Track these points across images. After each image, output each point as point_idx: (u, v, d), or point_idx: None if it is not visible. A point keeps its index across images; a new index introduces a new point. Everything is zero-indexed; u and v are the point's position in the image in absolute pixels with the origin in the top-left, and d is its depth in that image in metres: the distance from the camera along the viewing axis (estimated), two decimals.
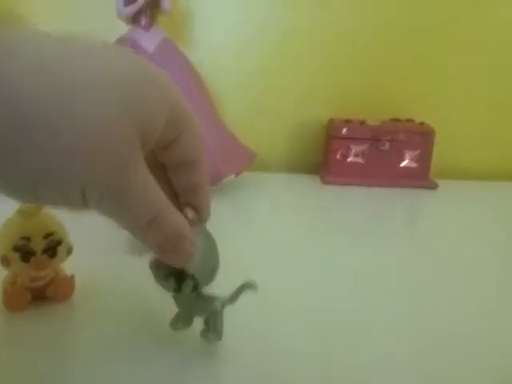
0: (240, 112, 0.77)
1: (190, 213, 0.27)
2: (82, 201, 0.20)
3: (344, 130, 0.68)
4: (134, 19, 0.61)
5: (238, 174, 0.61)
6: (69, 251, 0.34)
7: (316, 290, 0.31)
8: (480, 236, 0.53)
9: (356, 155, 0.69)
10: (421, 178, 0.70)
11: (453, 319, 0.34)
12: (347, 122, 0.70)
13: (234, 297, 0.28)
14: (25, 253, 0.31)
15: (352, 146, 0.69)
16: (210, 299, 0.28)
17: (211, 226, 0.51)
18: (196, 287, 0.27)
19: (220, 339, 0.28)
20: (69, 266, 0.35)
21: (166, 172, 0.26)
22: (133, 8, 0.59)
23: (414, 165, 0.70)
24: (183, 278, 0.26)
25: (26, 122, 0.18)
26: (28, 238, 0.31)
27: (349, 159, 0.69)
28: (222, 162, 0.59)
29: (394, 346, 0.30)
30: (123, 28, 0.62)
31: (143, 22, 0.61)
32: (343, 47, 0.75)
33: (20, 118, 0.18)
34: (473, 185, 0.74)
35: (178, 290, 0.26)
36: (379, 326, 0.33)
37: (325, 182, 0.70)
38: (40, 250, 0.32)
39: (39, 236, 0.32)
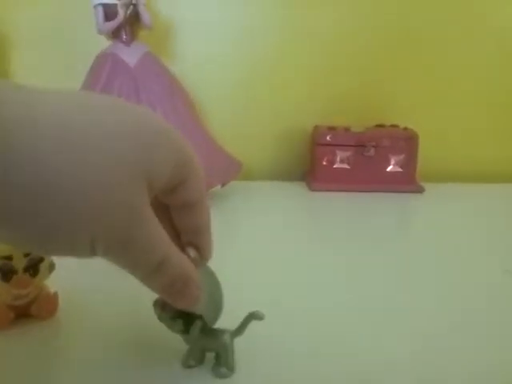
0: (225, 122, 0.77)
1: (192, 252, 0.26)
2: (90, 252, 0.21)
3: (328, 137, 0.69)
4: (115, 34, 0.61)
5: (224, 184, 0.61)
6: (51, 268, 0.34)
7: (306, 297, 0.30)
8: (467, 238, 0.53)
9: (342, 161, 0.70)
10: (407, 182, 0.71)
11: (442, 321, 0.34)
12: (332, 129, 0.70)
13: (241, 328, 0.28)
14: (6, 272, 0.31)
15: (337, 152, 0.69)
16: (219, 333, 0.27)
17: None
18: (204, 327, 0.27)
19: (233, 373, 0.27)
20: (52, 282, 0.34)
21: (168, 212, 0.26)
22: (113, 24, 0.60)
23: (399, 169, 0.70)
24: (191, 320, 0.26)
25: (45, 186, 0.18)
26: (9, 257, 0.31)
27: (335, 165, 0.70)
28: (208, 173, 0.59)
29: (388, 351, 0.30)
30: (105, 43, 0.63)
31: (124, 37, 0.61)
32: (327, 57, 0.76)
33: (39, 183, 0.18)
34: (459, 187, 0.75)
35: (185, 331, 0.26)
36: (370, 328, 0.33)
37: (312, 188, 0.70)
38: (21, 268, 0.32)
39: (20, 254, 0.31)
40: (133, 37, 0.62)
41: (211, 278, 0.27)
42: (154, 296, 0.27)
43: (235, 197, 0.65)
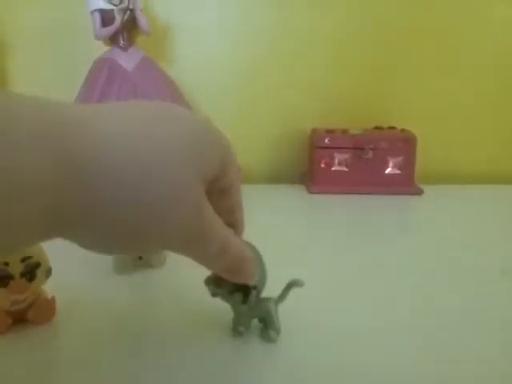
0: (223, 125, 0.76)
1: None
2: (161, 248, 0.24)
3: (327, 140, 0.69)
4: (112, 40, 0.62)
5: None
6: (48, 273, 0.34)
7: (305, 299, 0.31)
8: (467, 240, 0.53)
9: (340, 164, 0.70)
10: (405, 184, 0.71)
11: (442, 321, 0.34)
12: (330, 131, 0.70)
13: (283, 295, 0.31)
14: (2, 277, 0.31)
15: (335, 155, 0.69)
16: (264, 301, 0.31)
17: None
18: (258, 296, 0.30)
19: (279, 334, 0.30)
20: (49, 287, 0.34)
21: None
22: (110, 29, 0.60)
23: (397, 171, 0.70)
24: (247, 291, 0.29)
25: (127, 200, 0.21)
26: (5, 263, 0.31)
27: (333, 168, 0.70)
28: None
29: (387, 352, 0.30)
30: (102, 48, 0.63)
31: (121, 42, 0.61)
32: (325, 58, 0.76)
33: (119, 199, 0.21)
34: (458, 189, 0.74)
35: (244, 301, 0.29)
36: (371, 329, 0.33)
37: (310, 191, 0.70)
38: (18, 273, 0.32)
39: (16, 260, 0.31)
40: (130, 42, 0.62)
41: (257, 252, 0.30)
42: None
43: None
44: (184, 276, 0.42)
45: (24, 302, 0.33)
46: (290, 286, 0.31)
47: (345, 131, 0.70)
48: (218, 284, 0.30)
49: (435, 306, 0.37)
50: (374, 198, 0.68)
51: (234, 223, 0.28)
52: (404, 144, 0.70)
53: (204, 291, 0.31)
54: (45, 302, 0.34)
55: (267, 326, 0.31)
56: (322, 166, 0.70)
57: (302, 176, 0.77)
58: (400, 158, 0.70)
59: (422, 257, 0.47)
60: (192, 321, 0.34)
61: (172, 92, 0.63)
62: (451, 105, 0.79)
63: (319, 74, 0.77)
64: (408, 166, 0.70)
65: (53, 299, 0.35)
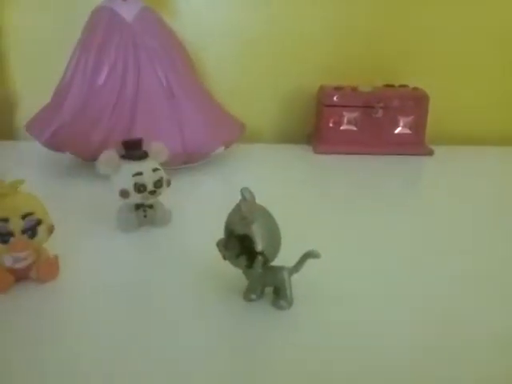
0: (228, 82, 0.74)
1: (247, 192, 0.28)
2: None
3: (335, 98, 0.66)
4: None
5: (227, 147, 0.59)
6: (50, 231, 0.32)
7: (314, 261, 0.30)
8: (477, 200, 0.51)
9: (349, 123, 0.67)
10: (416, 145, 0.68)
11: (453, 283, 0.33)
12: (338, 88, 0.67)
13: (298, 265, 0.30)
14: (2, 234, 0.30)
15: (345, 114, 0.67)
16: (278, 269, 0.30)
17: (202, 200, 0.50)
18: (265, 262, 0.28)
19: (291, 305, 0.30)
20: (52, 246, 0.33)
21: None
22: None
23: (408, 131, 0.68)
24: (254, 256, 0.28)
25: None
26: (5, 220, 0.30)
27: (342, 127, 0.68)
28: (210, 136, 0.57)
29: (391, 313, 0.29)
30: None
31: None
32: (334, 14, 0.72)
33: None
34: (469, 150, 0.73)
35: (249, 266, 0.28)
36: (377, 291, 0.32)
37: (317, 151, 0.68)
38: (19, 230, 0.30)
39: (17, 216, 0.30)
40: None
41: (270, 217, 0.29)
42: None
43: (238, 159, 0.63)
44: (189, 234, 0.41)
45: (26, 259, 0.32)
46: (306, 256, 0.30)
47: (354, 89, 0.68)
48: (226, 246, 0.29)
49: (447, 266, 0.36)
50: (383, 159, 0.66)
51: None
52: (416, 103, 0.67)
53: (213, 252, 0.30)
54: (48, 261, 0.33)
55: (279, 296, 0.30)
56: (330, 125, 0.68)
57: (309, 136, 0.74)
58: (411, 118, 0.68)
59: (432, 218, 0.46)
60: (198, 282, 0.33)
61: (174, 44, 0.60)
62: (465, 65, 0.76)
63: (327, 29, 0.73)
64: (419, 126, 0.68)
65: (56, 257, 0.33)
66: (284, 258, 0.30)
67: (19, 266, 0.32)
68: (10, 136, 0.74)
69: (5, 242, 0.30)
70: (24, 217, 0.30)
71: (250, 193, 0.29)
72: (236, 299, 0.30)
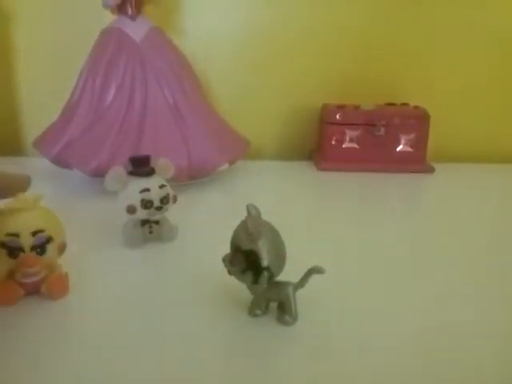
0: (232, 100, 0.76)
1: (253, 208, 0.29)
2: None
3: (338, 116, 0.68)
4: (120, 9, 0.60)
5: (231, 163, 0.60)
6: (60, 249, 0.33)
7: (316, 279, 0.30)
8: (478, 218, 0.52)
9: (351, 140, 0.68)
10: (417, 162, 0.69)
11: (452, 299, 0.34)
12: (341, 107, 0.69)
13: (303, 281, 0.30)
14: (13, 249, 0.30)
15: (347, 131, 0.68)
16: (283, 285, 0.30)
17: (207, 215, 0.51)
18: (271, 278, 0.29)
19: (296, 320, 0.30)
20: (67, 261, 0.34)
21: None
22: None
23: (409, 149, 0.69)
24: (260, 271, 0.28)
25: None
26: (16, 235, 0.30)
27: (344, 145, 0.69)
28: (216, 153, 0.58)
29: (395, 327, 0.30)
30: (109, 18, 0.61)
31: (129, 11, 0.59)
32: (337, 33, 0.74)
33: None
34: (470, 167, 0.73)
35: (255, 282, 0.29)
36: (380, 305, 0.32)
37: (320, 168, 0.69)
38: (28, 246, 0.31)
39: (27, 233, 0.31)
40: (138, 11, 0.60)
41: (275, 233, 0.29)
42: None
43: (243, 176, 0.64)
44: (195, 250, 0.42)
45: (36, 275, 0.32)
46: (310, 272, 0.30)
47: (356, 107, 0.69)
48: (231, 262, 0.29)
49: (447, 283, 0.36)
50: (384, 176, 0.66)
51: None
52: (417, 121, 0.68)
53: (218, 267, 0.30)
54: (58, 278, 0.33)
55: (284, 311, 0.30)
56: (333, 142, 0.69)
57: (311, 153, 0.75)
58: (412, 136, 0.69)
59: (432, 235, 0.46)
60: (203, 298, 0.33)
61: (181, 64, 0.62)
62: (465, 83, 0.77)
63: (331, 48, 0.75)
64: (420, 143, 0.69)
65: (66, 275, 0.34)
66: (288, 273, 0.30)
67: (29, 280, 0.32)
68: (16, 152, 0.75)
69: (15, 256, 0.31)
70: (34, 233, 0.31)
71: (256, 209, 0.29)
72: (241, 314, 0.31)
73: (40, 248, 0.31)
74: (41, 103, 0.74)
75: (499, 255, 0.42)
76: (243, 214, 0.29)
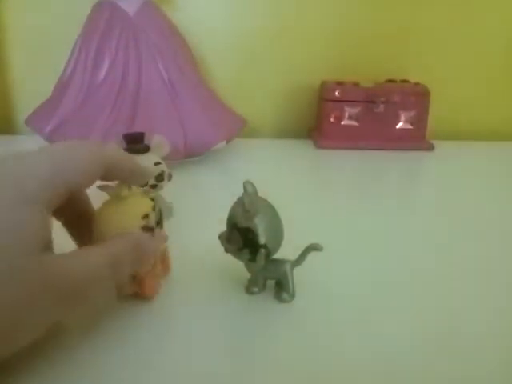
0: (228, 76, 0.74)
1: (250, 185, 0.28)
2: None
3: (337, 92, 0.66)
4: None
5: (228, 141, 0.59)
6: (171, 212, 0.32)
7: (315, 256, 0.30)
8: (478, 196, 0.51)
9: (350, 118, 0.67)
10: (417, 140, 0.68)
11: (454, 279, 0.33)
12: (340, 83, 0.67)
13: (301, 258, 0.30)
14: (150, 230, 0.28)
15: (346, 109, 0.67)
16: (280, 262, 0.30)
17: (203, 194, 0.50)
18: (268, 255, 0.28)
19: (294, 298, 0.30)
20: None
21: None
22: None
23: (409, 126, 0.68)
24: (256, 249, 0.27)
25: None
26: (147, 215, 0.28)
27: (343, 122, 0.67)
28: (212, 129, 0.57)
29: (394, 302, 0.29)
30: None
31: None
32: (335, 7, 0.72)
33: None
34: (470, 145, 0.73)
35: (252, 259, 0.28)
36: (379, 280, 0.32)
37: (318, 146, 0.68)
38: (154, 224, 0.29)
39: (151, 210, 0.28)
40: None
41: (272, 210, 0.29)
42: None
43: (239, 154, 0.63)
44: (191, 228, 0.41)
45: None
46: (308, 250, 0.30)
47: (356, 84, 0.68)
48: (228, 240, 0.29)
49: (448, 261, 0.36)
50: (383, 154, 0.66)
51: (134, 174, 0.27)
52: (417, 98, 0.67)
53: (215, 246, 0.30)
54: (166, 254, 0.32)
55: (282, 289, 0.30)
56: (332, 120, 0.68)
57: (310, 131, 0.74)
58: (412, 113, 0.67)
59: (432, 213, 0.46)
60: (200, 276, 0.33)
61: (176, 40, 0.60)
62: (466, 60, 0.76)
63: (329, 23, 0.73)
64: (420, 121, 0.68)
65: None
66: (285, 251, 0.30)
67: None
68: (9, 130, 0.74)
69: None
70: (154, 209, 0.29)
71: (253, 186, 0.29)
72: (238, 292, 0.30)
73: (160, 222, 0.30)
74: (33, 80, 0.72)
75: (498, 234, 0.41)
76: (240, 193, 0.29)
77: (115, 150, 0.27)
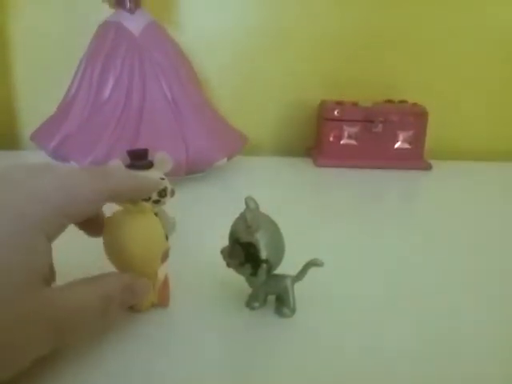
0: (230, 95, 0.75)
1: (251, 201, 0.29)
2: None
3: (336, 112, 0.67)
4: (119, 2, 0.59)
5: (229, 158, 0.60)
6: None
7: (315, 271, 0.30)
8: (475, 216, 0.52)
9: (349, 137, 0.68)
10: (415, 159, 0.69)
11: (449, 296, 0.34)
12: (339, 103, 0.69)
13: (301, 274, 0.30)
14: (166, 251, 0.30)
15: (345, 128, 0.68)
16: (281, 278, 0.30)
17: (205, 209, 0.51)
18: (269, 270, 0.29)
19: (294, 313, 0.30)
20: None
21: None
22: None
23: (407, 146, 0.69)
24: (258, 263, 0.28)
25: None
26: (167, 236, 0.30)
27: (342, 141, 0.69)
28: (214, 146, 0.58)
29: (394, 318, 0.30)
30: (107, 12, 0.61)
31: (128, 4, 0.59)
32: (334, 29, 0.74)
33: None
34: (467, 165, 0.74)
35: (253, 274, 0.29)
36: (379, 297, 0.32)
37: (318, 164, 0.69)
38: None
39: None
40: (137, 4, 0.59)
41: (274, 226, 0.29)
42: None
43: (240, 171, 0.64)
44: (193, 243, 0.42)
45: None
46: (309, 265, 0.30)
47: (355, 103, 0.69)
48: (230, 255, 0.29)
49: (446, 280, 0.36)
50: (382, 173, 0.67)
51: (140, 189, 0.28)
52: (415, 118, 0.68)
53: (216, 260, 0.30)
54: (166, 283, 0.31)
55: (283, 304, 0.30)
56: (331, 139, 0.69)
57: (309, 149, 0.75)
58: (410, 133, 0.69)
59: (429, 232, 0.47)
60: (201, 290, 0.33)
61: (179, 59, 0.61)
62: (465, 80, 0.77)
63: (329, 44, 0.75)
64: (418, 140, 0.69)
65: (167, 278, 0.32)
66: (284, 268, 0.30)
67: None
68: (13, 146, 0.75)
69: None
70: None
71: (255, 201, 0.29)
72: (239, 307, 0.31)
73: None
74: (38, 96, 0.74)
75: (497, 253, 0.42)
76: (241, 209, 0.29)
77: (118, 172, 0.27)
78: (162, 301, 0.31)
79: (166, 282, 0.31)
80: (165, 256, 0.30)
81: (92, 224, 0.28)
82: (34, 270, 0.21)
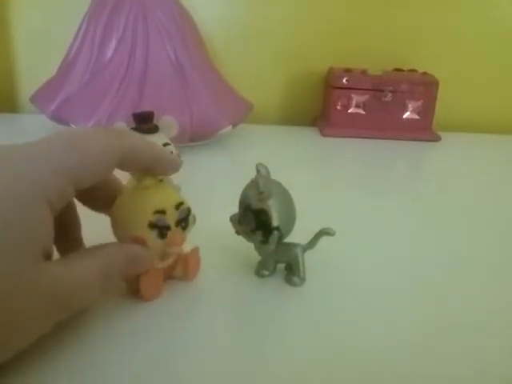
0: (236, 62, 0.73)
1: (263, 167, 0.28)
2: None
3: (344, 80, 0.66)
4: None
5: (234, 126, 0.59)
6: (194, 220, 0.29)
7: (326, 239, 0.30)
8: (482, 188, 0.51)
9: (357, 106, 0.67)
10: (423, 131, 0.68)
11: (456, 269, 0.33)
12: (348, 71, 0.67)
13: (312, 242, 0.30)
14: (162, 228, 0.26)
15: (353, 96, 0.66)
16: (291, 246, 0.29)
17: (210, 177, 0.50)
18: (280, 238, 0.28)
19: (304, 281, 0.29)
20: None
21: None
22: None
23: (416, 116, 0.68)
24: (269, 231, 0.27)
25: None
26: (163, 211, 0.26)
27: (349, 110, 0.67)
28: (219, 113, 0.56)
29: (403, 286, 0.30)
30: None
31: None
32: None
33: None
34: (476, 137, 0.72)
35: (264, 241, 0.28)
36: (387, 267, 0.32)
37: (324, 134, 0.67)
38: (174, 222, 0.27)
39: (172, 206, 0.27)
40: None
41: (286, 194, 0.29)
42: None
43: (245, 140, 0.63)
44: (198, 210, 0.41)
45: (173, 256, 0.28)
46: (320, 234, 0.29)
47: (363, 71, 0.67)
48: (240, 221, 0.28)
49: (449, 250, 0.36)
50: (389, 143, 0.65)
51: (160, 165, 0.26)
52: (425, 88, 0.66)
53: (221, 228, 0.29)
54: (192, 254, 0.29)
55: (292, 272, 0.29)
56: (339, 107, 0.67)
57: (315, 119, 0.74)
58: (420, 103, 0.67)
59: (436, 203, 0.46)
60: (209, 258, 0.32)
61: (185, 21, 0.59)
62: (475, 50, 0.75)
63: (337, 10, 0.72)
64: (427, 111, 0.67)
65: (197, 249, 0.29)
66: (292, 237, 0.29)
67: (167, 264, 0.27)
68: (13, 109, 0.73)
69: (163, 236, 0.26)
70: (177, 206, 0.27)
71: (266, 168, 0.28)
72: (248, 275, 0.30)
73: (184, 222, 0.27)
74: (38, 57, 0.71)
75: (503, 224, 0.41)
76: (246, 177, 0.28)
77: (135, 135, 0.25)
78: (188, 272, 0.29)
79: (195, 252, 0.29)
80: (195, 219, 0.29)
81: (99, 194, 0.26)
82: (31, 240, 0.19)
